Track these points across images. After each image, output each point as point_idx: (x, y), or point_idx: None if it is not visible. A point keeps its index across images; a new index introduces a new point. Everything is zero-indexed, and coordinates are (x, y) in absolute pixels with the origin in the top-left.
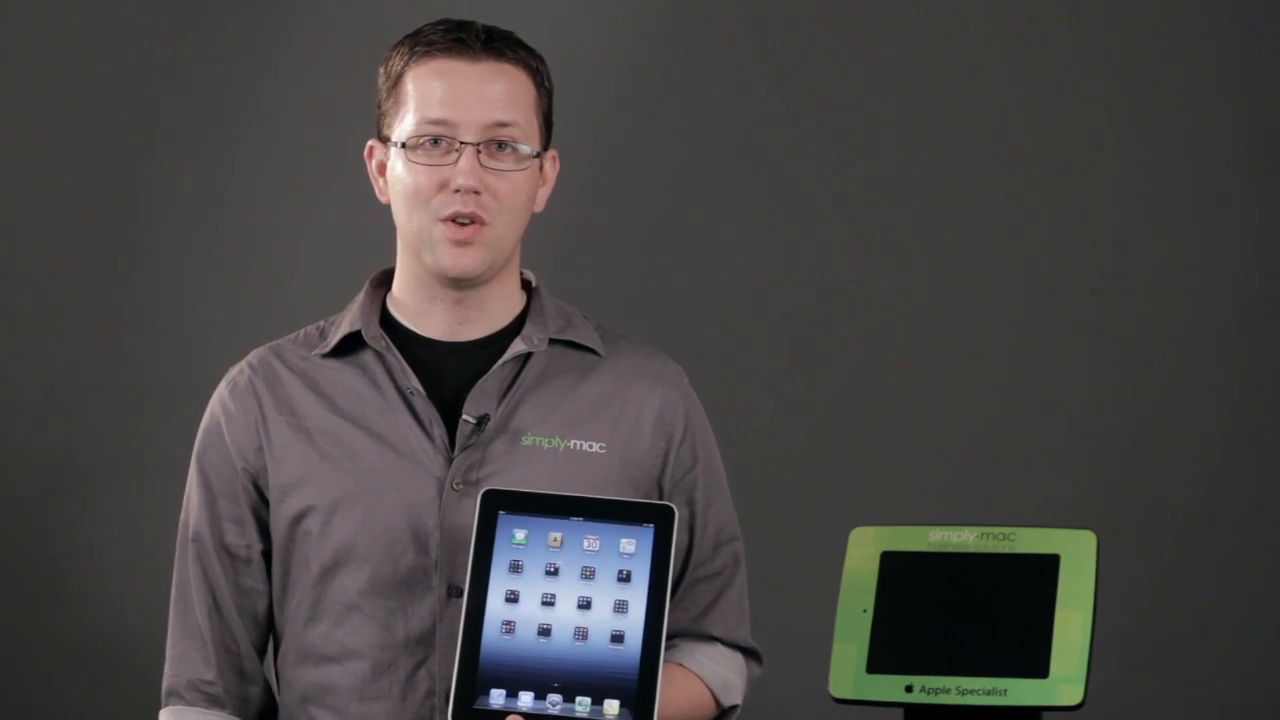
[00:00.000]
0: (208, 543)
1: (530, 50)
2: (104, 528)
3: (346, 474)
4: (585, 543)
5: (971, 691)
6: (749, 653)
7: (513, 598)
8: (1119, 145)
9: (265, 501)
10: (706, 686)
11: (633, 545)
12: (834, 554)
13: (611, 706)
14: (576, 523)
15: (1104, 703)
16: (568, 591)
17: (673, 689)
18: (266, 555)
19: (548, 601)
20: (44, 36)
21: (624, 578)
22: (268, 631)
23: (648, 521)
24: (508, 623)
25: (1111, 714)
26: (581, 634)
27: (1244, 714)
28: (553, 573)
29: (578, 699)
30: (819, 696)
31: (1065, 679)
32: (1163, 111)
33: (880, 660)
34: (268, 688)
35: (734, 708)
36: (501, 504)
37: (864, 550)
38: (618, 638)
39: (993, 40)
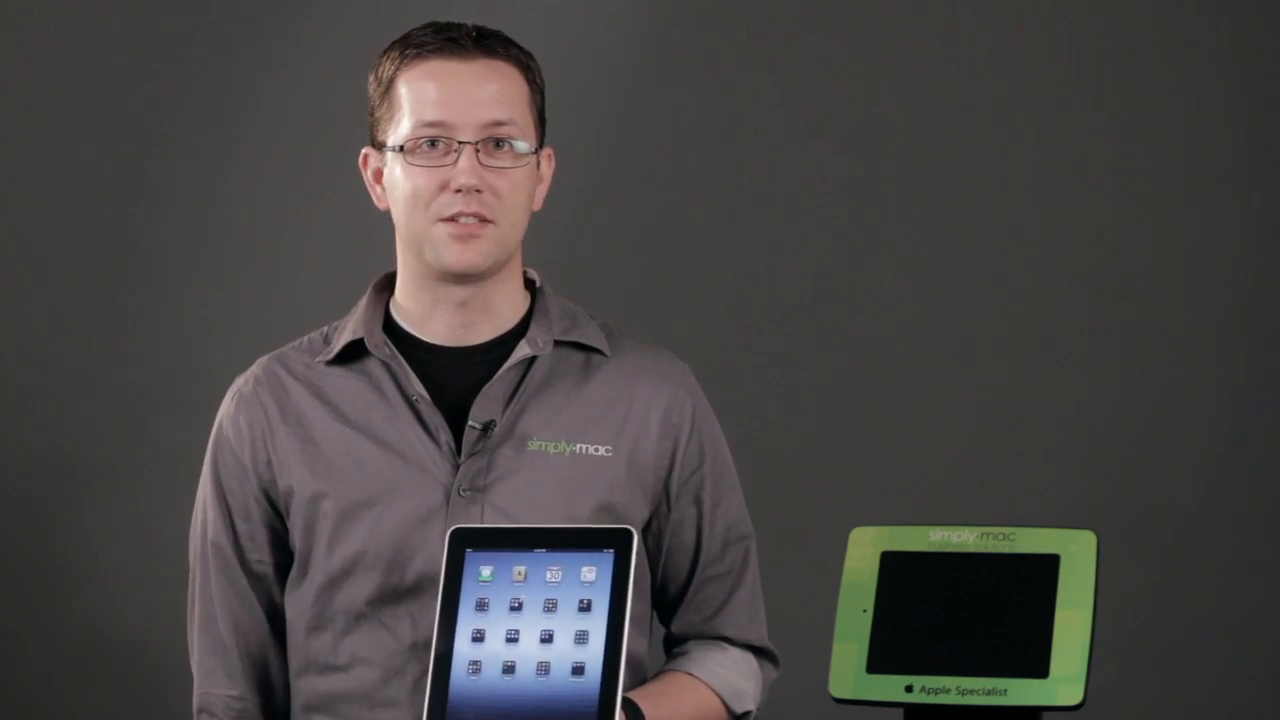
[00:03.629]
0: (228, 554)
1: (521, 48)
2: (104, 528)
3: (354, 483)
4: (548, 575)
5: (971, 691)
6: (763, 653)
7: (479, 637)
8: (1119, 144)
9: (278, 514)
10: (716, 695)
11: (593, 573)
12: (834, 554)
13: None
14: (540, 555)
15: (1104, 703)
16: (530, 626)
17: (680, 699)
18: (280, 568)
19: (512, 638)
20: (45, 37)
21: (584, 607)
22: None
23: (607, 547)
24: (474, 663)
25: (1111, 714)
26: (544, 669)
27: (1244, 714)
28: (516, 608)
29: None
30: (819, 696)
31: (1065, 679)
32: (1162, 110)
33: (880, 660)
34: (288, 691)
35: (746, 714)
36: (469, 542)
37: (864, 550)
38: (578, 669)
39: (990, 38)
